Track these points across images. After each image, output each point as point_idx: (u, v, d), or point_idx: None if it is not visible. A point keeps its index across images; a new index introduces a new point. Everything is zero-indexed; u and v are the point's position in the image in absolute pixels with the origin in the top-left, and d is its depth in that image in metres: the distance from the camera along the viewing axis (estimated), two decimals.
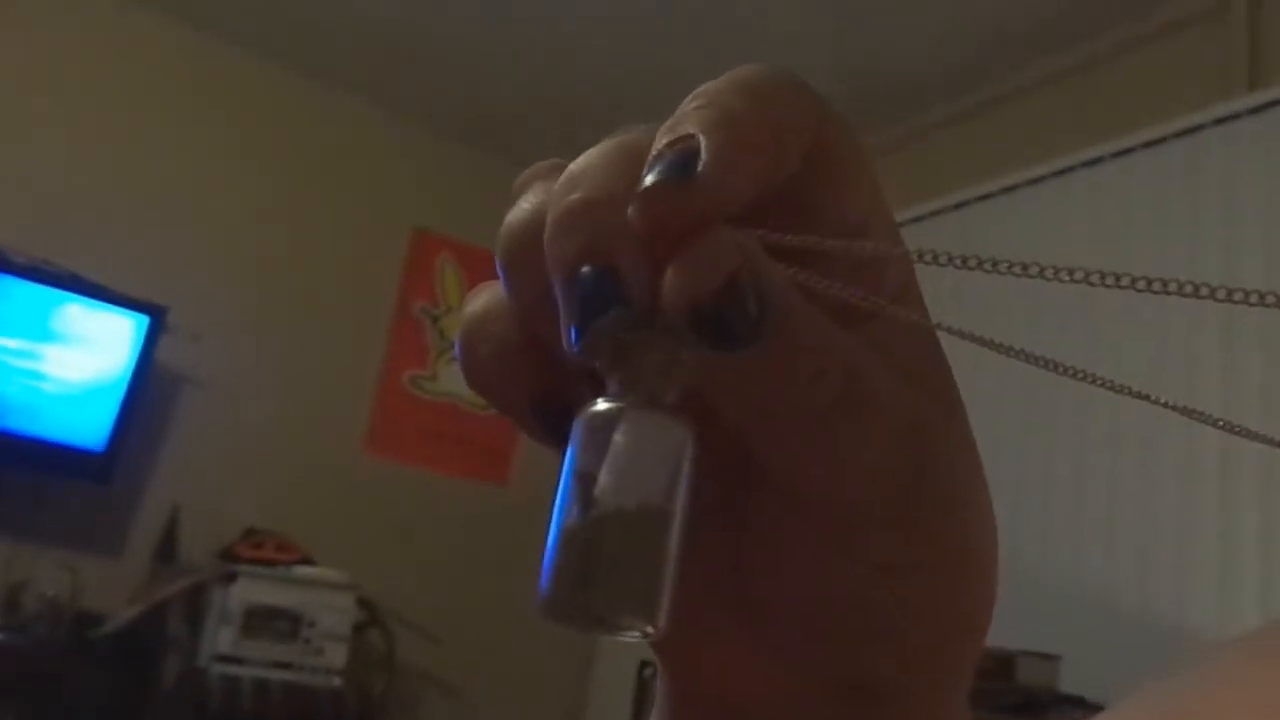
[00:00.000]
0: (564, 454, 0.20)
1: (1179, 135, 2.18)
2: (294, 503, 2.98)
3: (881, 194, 0.22)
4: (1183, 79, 2.30)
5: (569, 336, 0.19)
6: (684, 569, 0.22)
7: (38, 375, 2.58)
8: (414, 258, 3.40)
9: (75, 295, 2.64)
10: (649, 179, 0.19)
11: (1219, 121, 2.11)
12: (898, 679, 0.23)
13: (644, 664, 2.79)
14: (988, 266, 0.19)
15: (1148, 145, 2.23)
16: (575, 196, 0.20)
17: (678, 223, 0.19)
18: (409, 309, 3.38)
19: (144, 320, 2.70)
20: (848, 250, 0.20)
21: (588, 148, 0.21)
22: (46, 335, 2.60)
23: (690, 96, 0.20)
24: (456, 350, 0.23)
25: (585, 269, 0.19)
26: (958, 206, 2.56)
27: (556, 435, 0.21)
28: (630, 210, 0.19)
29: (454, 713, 3.17)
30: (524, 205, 0.21)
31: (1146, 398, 0.23)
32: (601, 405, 0.19)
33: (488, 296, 0.23)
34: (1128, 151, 2.27)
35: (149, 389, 2.73)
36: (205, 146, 3.06)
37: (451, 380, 3.41)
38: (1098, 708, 1.78)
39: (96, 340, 2.66)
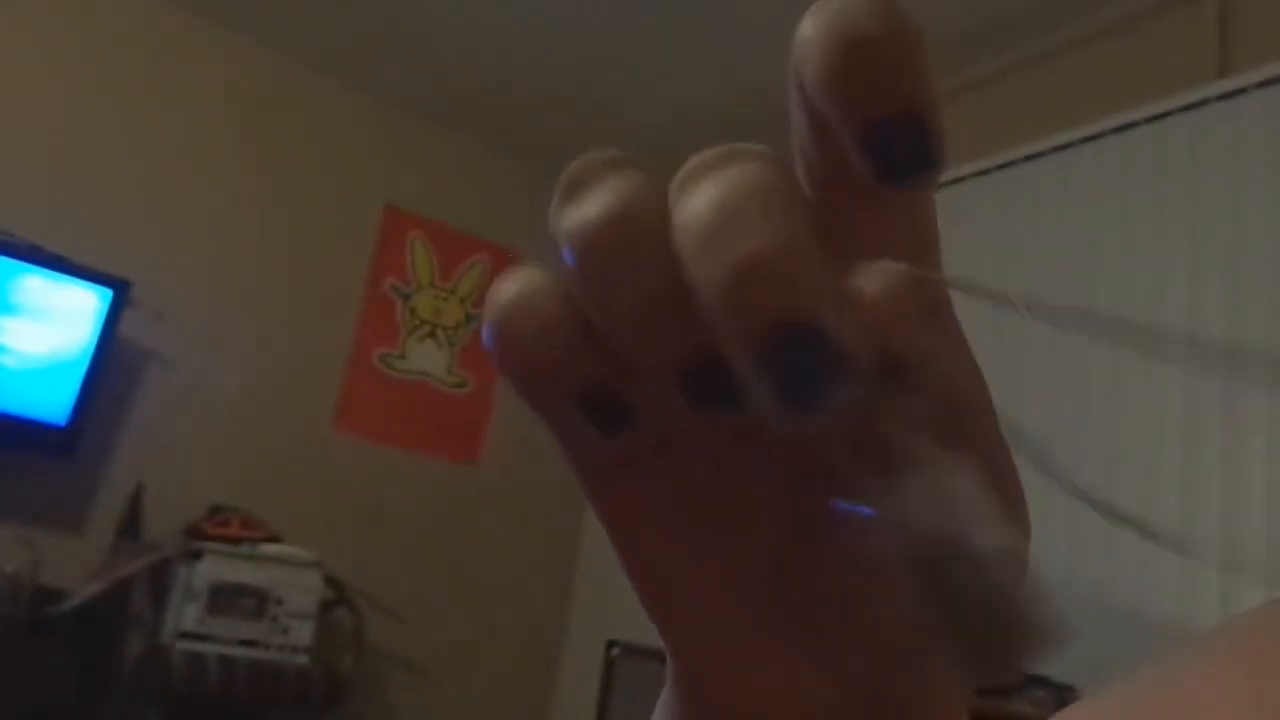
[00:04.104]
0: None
1: (1148, 121, 2.19)
2: (261, 480, 2.95)
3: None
4: (1152, 65, 2.32)
5: (785, 409, 0.17)
6: (731, 570, 0.23)
7: None
8: (385, 235, 3.37)
9: (37, 267, 2.59)
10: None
11: (1188, 108, 2.13)
12: (929, 692, 0.24)
13: (611, 644, 2.80)
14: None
15: (1117, 130, 2.25)
16: (745, 250, 0.17)
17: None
18: (379, 286, 3.35)
19: (107, 293, 2.66)
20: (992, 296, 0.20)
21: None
22: (7, 308, 2.55)
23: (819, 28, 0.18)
24: (488, 336, 0.21)
25: (784, 334, 0.17)
26: None
27: (609, 423, 0.20)
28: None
29: (422, 691, 3.17)
30: (606, 199, 0.19)
31: (1103, 510, 0.23)
32: (908, 479, 0.18)
33: (529, 279, 0.21)
34: (1097, 137, 2.29)
35: (113, 363, 2.69)
36: (173, 119, 3.01)
37: (421, 358, 3.39)
38: (1063, 687, 1.79)
39: (59, 313, 2.61)
